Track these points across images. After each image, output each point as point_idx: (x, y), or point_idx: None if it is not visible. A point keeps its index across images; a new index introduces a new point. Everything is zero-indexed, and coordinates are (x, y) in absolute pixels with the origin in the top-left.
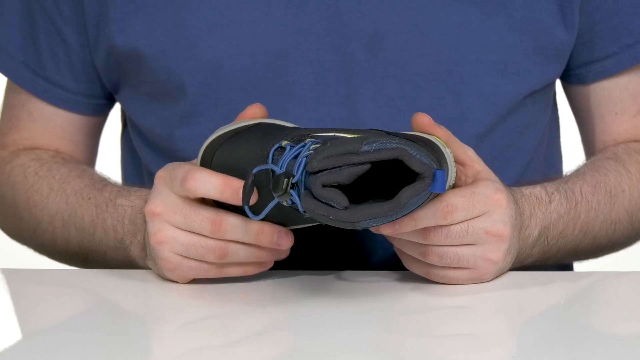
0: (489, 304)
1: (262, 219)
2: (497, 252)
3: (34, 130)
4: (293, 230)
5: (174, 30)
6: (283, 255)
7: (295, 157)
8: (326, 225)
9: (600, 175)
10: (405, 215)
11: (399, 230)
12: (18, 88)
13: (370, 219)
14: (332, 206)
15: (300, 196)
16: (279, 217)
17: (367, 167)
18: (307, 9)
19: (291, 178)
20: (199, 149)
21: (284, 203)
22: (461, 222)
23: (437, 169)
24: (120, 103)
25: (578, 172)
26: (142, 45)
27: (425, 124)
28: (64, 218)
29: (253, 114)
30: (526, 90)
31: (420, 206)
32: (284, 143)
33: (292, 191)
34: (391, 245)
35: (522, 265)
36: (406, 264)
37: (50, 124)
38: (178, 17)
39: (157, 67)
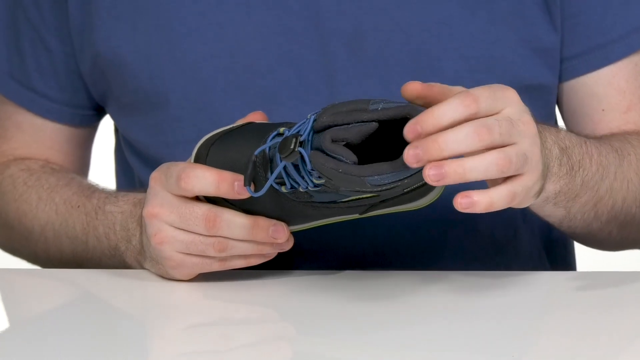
0: (489, 304)
1: (258, 214)
2: (535, 147)
3: (23, 141)
4: (304, 231)
5: (155, 34)
6: (286, 247)
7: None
8: (330, 225)
9: (603, 138)
10: (414, 173)
11: (421, 126)
12: (5, 99)
13: (379, 175)
14: (342, 160)
15: (309, 155)
16: (278, 214)
17: (374, 126)
18: (287, 9)
19: (299, 137)
20: (184, 154)
21: (283, 189)
22: (487, 111)
23: None
24: (110, 115)
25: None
26: (125, 51)
27: (418, 91)
28: (55, 228)
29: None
30: (512, 86)
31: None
32: (282, 129)
33: (300, 149)
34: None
35: (556, 194)
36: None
37: (39, 134)
38: (159, 21)
39: (139, 73)
